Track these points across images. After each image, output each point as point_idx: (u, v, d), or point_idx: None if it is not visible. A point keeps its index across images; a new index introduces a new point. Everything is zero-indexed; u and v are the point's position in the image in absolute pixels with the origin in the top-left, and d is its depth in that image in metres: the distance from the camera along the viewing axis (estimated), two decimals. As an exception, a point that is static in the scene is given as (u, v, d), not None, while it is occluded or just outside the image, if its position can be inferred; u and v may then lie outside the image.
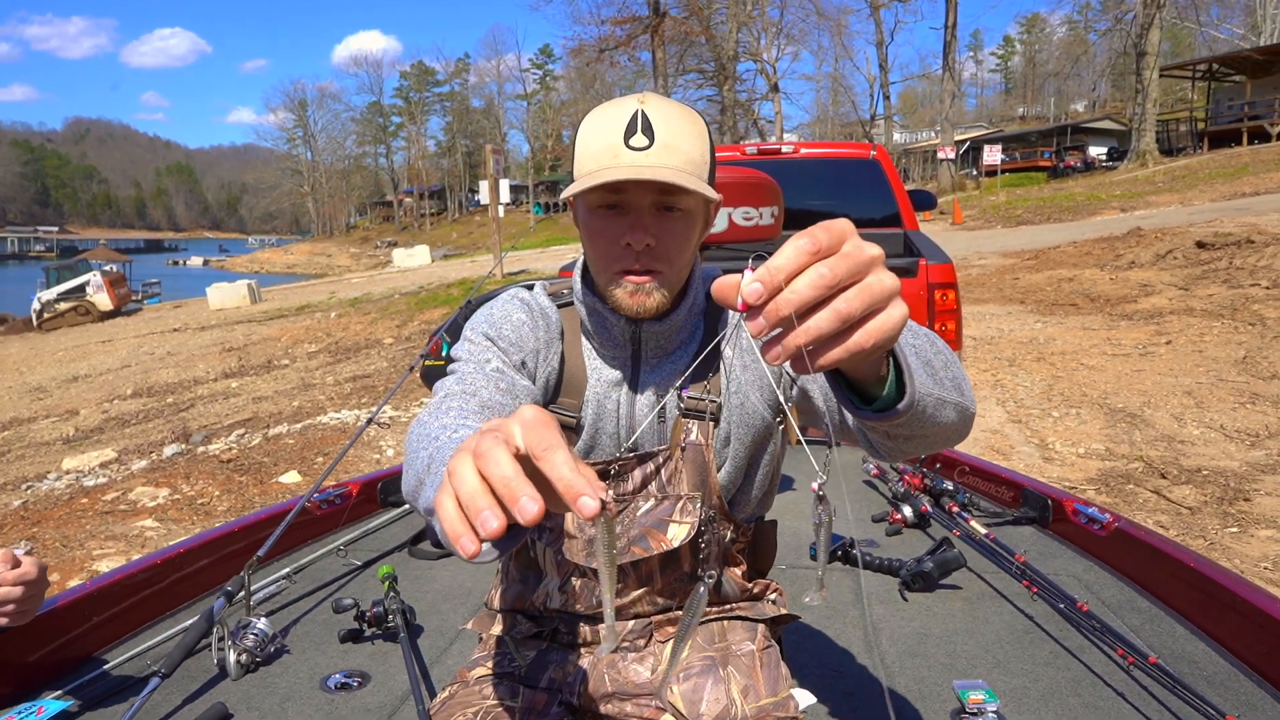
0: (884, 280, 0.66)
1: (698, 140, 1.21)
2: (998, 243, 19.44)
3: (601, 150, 1.18)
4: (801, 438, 0.84)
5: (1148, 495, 5.11)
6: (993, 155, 30.00)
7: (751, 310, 0.64)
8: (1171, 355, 8.44)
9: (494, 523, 0.62)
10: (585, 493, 0.62)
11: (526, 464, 0.65)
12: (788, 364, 0.68)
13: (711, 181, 1.25)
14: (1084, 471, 5.65)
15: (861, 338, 0.66)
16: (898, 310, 0.67)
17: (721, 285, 0.66)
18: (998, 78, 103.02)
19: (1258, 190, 21.38)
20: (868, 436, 1.04)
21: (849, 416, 1.06)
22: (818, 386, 1.21)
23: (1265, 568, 4.09)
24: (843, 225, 0.66)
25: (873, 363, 0.83)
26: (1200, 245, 12.74)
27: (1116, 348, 9.03)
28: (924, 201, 6.36)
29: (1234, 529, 4.53)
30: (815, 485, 0.78)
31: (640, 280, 1.22)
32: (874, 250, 0.66)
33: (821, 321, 0.64)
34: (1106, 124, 48.06)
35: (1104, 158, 41.95)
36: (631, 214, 1.20)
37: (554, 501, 0.66)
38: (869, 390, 0.87)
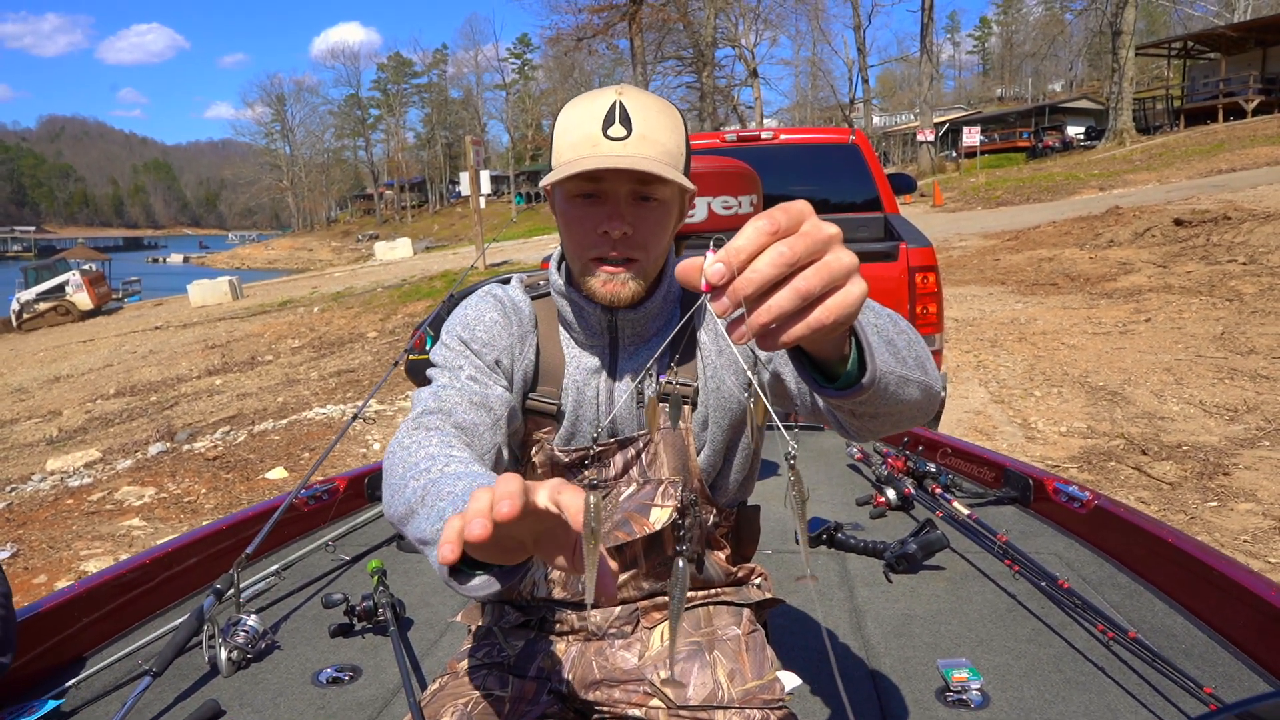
0: (842, 258, 0.68)
1: (674, 132, 1.24)
2: (978, 224, 19.53)
3: (580, 140, 1.20)
4: (771, 413, 0.85)
5: (1129, 472, 5.16)
6: (972, 137, 30.08)
7: (715, 290, 0.66)
8: (1151, 332, 8.52)
9: (477, 529, 0.71)
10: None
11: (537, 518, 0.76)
12: (754, 343, 0.70)
13: (687, 173, 1.28)
14: (1066, 450, 5.70)
15: (822, 314, 0.68)
16: (856, 287, 0.69)
17: (685, 267, 0.68)
18: (975, 59, 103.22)
19: (1234, 167, 21.52)
20: (837, 417, 1.06)
21: (818, 397, 1.09)
22: (789, 369, 1.23)
23: (1245, 541, 4.14)
24: (801, 206, 0.68)
25: (835, 341, 0.85)
26: (1178, 223, 12.83)
27: (1097, 326, 9.10)
28: (904, 185, 6.37)
29: (1214, 503, 4.59)
30: (790, 452, 0.80)
31: (615, 270, 1.25)
32: (831, 229, 0.68)
33: (782, 299, 0.66)
34: (1084, 103, 48.25)
35: (1082, 137, 42.10)
36: (609, 203, 1.22)
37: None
38: (832, 369, 0.89)
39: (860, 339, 0.87)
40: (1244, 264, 10.37)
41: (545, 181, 1.24)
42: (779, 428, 0.77)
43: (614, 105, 1.20)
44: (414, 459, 1.09)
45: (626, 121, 1.19)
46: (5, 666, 1.81)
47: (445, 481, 1.01)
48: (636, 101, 1.21)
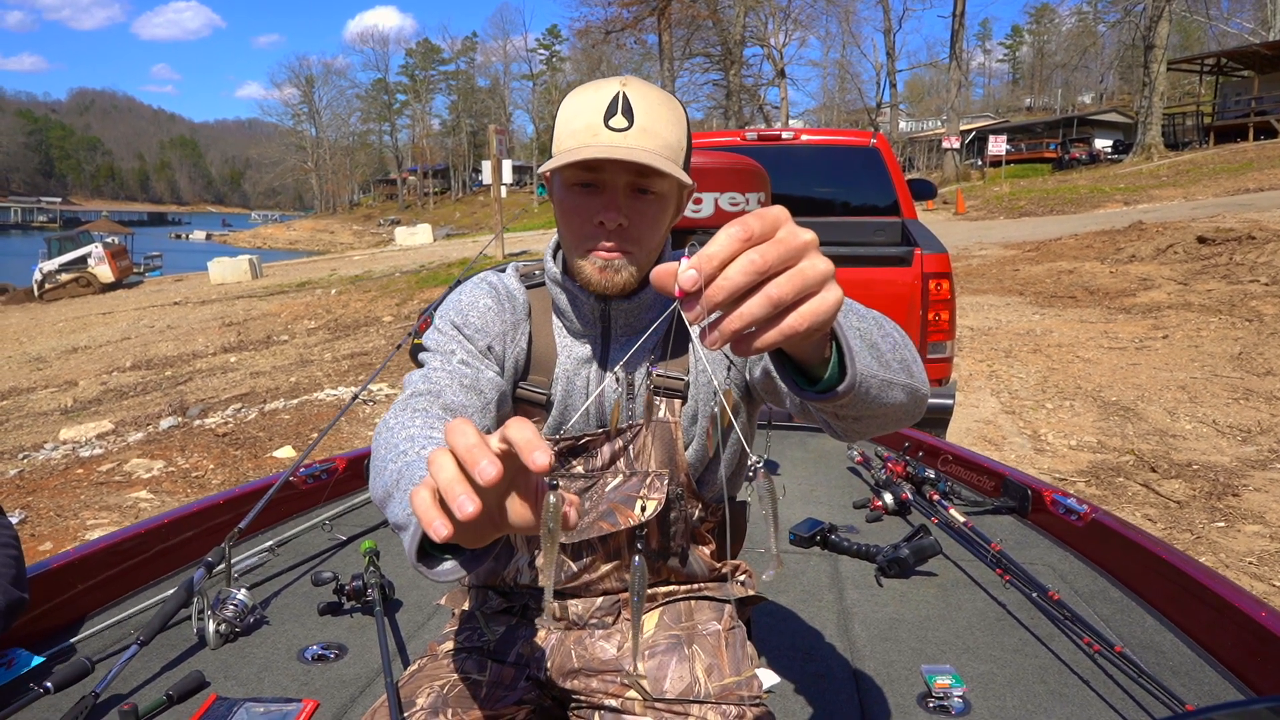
0: (817, 265, 0.67)
1: (676, 126, 1.23)
2: (999, 234, 19.42)
3: (581, 129, 1.20)
4: (736, 425, 0.86)
5: (1137, 488, 5.13)
6: (997, 146, 29.95)
7: (688, 297, 0.66)
8: (1168, 350, 8.46)
9: (469, 507, 0.67)
10: (538, 448, 0.67)
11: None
12: (729, 348, 0.70)
13: (687, 168, 1.27)
14: (1075, 463, 5.67)
15: (795, 321, 0.68)
16: (831, 294, 0.69)
17: (659, 273, 0.68)
18: (1005, 68, 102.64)
19: (1261, 186, 21.35)
20: (823, 417, 1.06)
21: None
22: None
23: (1250, 562, 4.11)
24: (776, 212, 0.67)
25: (815, 345, 0.84)
26: (1201, 240, 12.73)
27: (1113, 341, 9.04)
28: (924, 191, 6.34)
29: (1221, 523, 4.55)
30: (754, 459, 0.80)
31: (610, 256, 1.25)
32: (807, 235, 0.67)
33: (754, 306, 0.66)
34: (1113, 116, 47.91)
35: (1109, 150, 41.85)
36: (606, 193, 1.22)
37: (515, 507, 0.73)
38: (813, 371, 0.89)
39: (840, 342, 0.87)
40: (1266, 284, 10.28)
41: (544, 168, 1.25)
42: (746, 445, 0.76)
43: (617, 95, 1.20)
44: (395, 439, 1.09)
45: (629, 113, 1.19)
46: (25, 602, 1.85)
47: (419, 465, 1.00)
48: (640, 93, 1.21)
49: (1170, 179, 25.89)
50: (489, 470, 0.67)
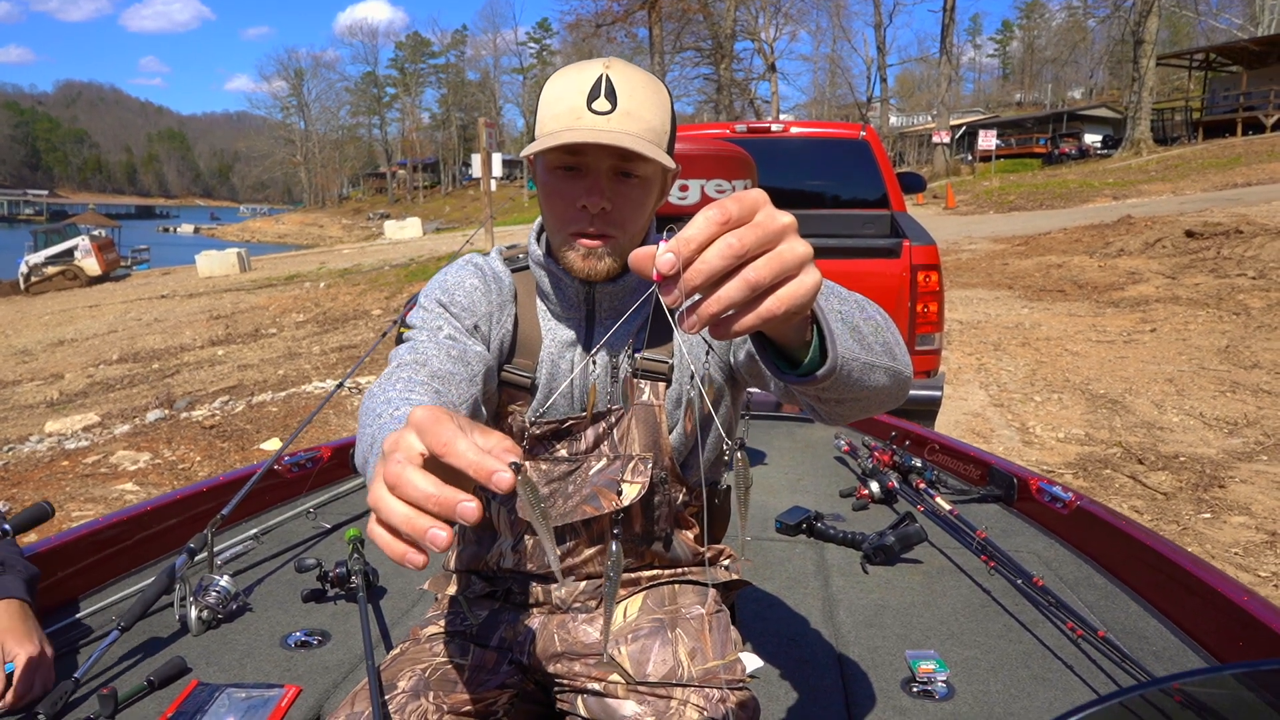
0: (795, 248, 0.67)
1: (660, 109, 1.23)
2: (989, 228, 19.45)
3: (564, 112, 1.20)
4: (711, 411, 0.86)
5: (1124, 480, 5.15)
6: (987, 140, 29.95)
7: (666, 280, 0.65)
8: (1155, 343, 8.49)
9: (443, 535, 0.65)
10: (496, 469, 0.65)
11: (435, 464, 0.68)
12: (707, 332, 0.70)
13: (670, 151, 1.27)
14: (1062, 455, 5.69)
15: (773, 304, 0.68)
16: (810, 278, 0.69)
17: (637, 256, 0.68)
18: (996, 63, 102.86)
19: (1250, 181, 21.41)
20: (807, 400, 1.05)
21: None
22: None
23: (1236, 553, 4.13)
24: (755, 195, 0.67)
25: (796, 328, 0.84)
26: (1189, 234, 12.78)
27: (1101, 334, 9.08)
28: (913, 184, 6.33)
29: (1207, 515, 4.58)
30: (729, 445, 0.80)
31: (592, 244, 1.25)
32: (785, 219, 0.67)
33: (731, 290, 0.66)
34: (1103, 112, 47.99)
35: (1099, 145, 41.96)
36: (589, 177, 1.22)
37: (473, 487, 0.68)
38: (795, 354, 0.88)
39: (821, 325, 0.87)
40: (1253, 278, 10.33)
41: (526, 151, 1.24)
42: (718, 424, 0.76)
43: (600, 78, 1.19)
44: (374, 405, 1.07)
45: (612, 96, 1.18)
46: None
47: (391, 427, 0.98)
48: (623, 76, 1.20)
49: (1159, 174, 25.95)
50: (471, 512, 0.64)
